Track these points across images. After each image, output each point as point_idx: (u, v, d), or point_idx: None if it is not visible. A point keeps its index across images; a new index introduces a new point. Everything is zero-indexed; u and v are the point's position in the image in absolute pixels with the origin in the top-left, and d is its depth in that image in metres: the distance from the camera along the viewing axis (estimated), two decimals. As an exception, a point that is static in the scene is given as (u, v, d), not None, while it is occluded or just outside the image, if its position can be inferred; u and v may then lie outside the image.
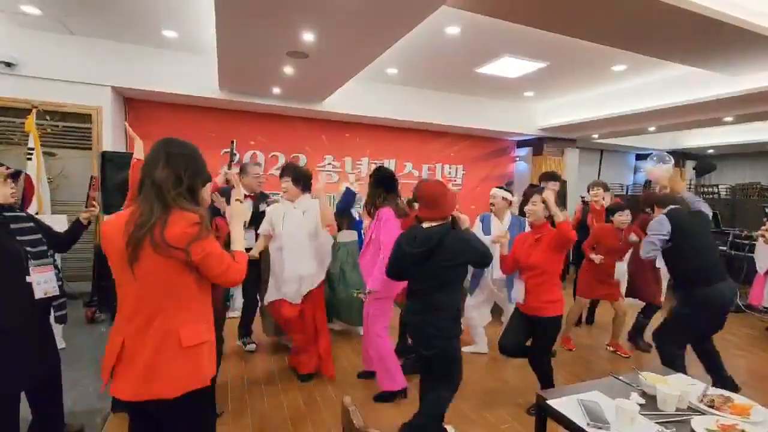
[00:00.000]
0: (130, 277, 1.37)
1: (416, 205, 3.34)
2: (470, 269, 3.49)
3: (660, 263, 3.87)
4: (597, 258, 3.81)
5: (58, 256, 2.27)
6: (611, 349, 4.13)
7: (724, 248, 6.23)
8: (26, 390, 2.10)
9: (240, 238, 1.66)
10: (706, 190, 9.02)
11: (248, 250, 2.03)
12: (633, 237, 3.83)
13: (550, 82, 5.97)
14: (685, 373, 2.25)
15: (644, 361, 3.95)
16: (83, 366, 3.28)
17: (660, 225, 2.92)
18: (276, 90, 5.42)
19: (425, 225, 2.25)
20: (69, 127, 4.99)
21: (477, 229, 3.61)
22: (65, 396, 2.41)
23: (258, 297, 3.76)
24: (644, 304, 4.17)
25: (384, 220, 2.86)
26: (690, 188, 8.94)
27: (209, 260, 1.42)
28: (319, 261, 3.09)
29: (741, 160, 10.14)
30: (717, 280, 2.81)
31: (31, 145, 4.19)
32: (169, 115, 5.87)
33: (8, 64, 4.56)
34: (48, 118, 4.83)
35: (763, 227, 2.96)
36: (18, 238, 2.04)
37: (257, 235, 3.25)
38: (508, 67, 5.31)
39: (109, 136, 5.13)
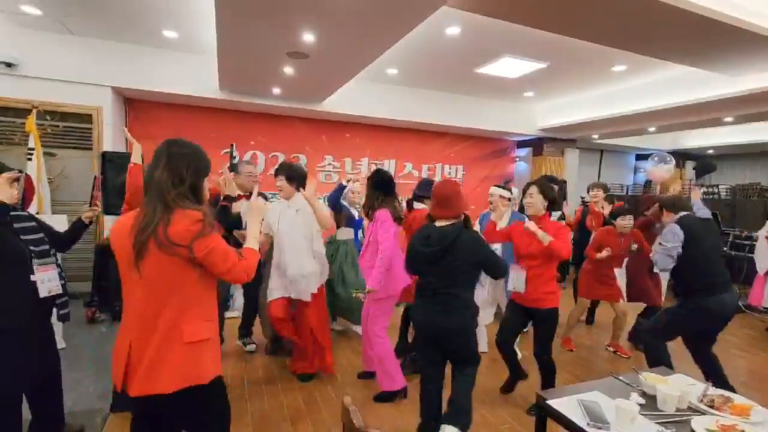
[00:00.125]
0: (137, 277, 1.40)
1: (417, 204, 3.37)
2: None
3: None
4: (604, 253, 3.76)
5: (58, 256, 2.28)
6: (611, 349, 4.13)
7: (725, 249, 6.23)
8: (27, 390, 2.10)
9: (254, 236, 1.67)
10: (706, 190, 9.01)
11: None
12: (635, 246, 3.83)
13: (550, 82, 5.97)
14: (671, 366, 2.27)
15: (644, 361, 3.94)
16: (83, 366, 3.28)
17: (674, 236, 2.83)
18: (276, 90, 5.43)
19: (438, 224, 2.29)
20: (69, 128, 4.99)
21: (476, 229, 3.61)
22: (65, 396, 2.42)
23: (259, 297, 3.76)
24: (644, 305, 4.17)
25: (381, 221, 2.87)
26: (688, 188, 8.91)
27: (212, 257, 1.43)
28: (320, 263, 3.10)
29: (741, 161, 10.15)
30: (720, 291, 2.78)
31: (31, 145, 4.19)
32: (169, 115, 5.88)
33: (8, 65, 4.56)
34: (48, 118, 4.83)
35: None
36: (21, 237, 2.06)
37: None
38: (508, 67, 5.32)
39: (110, 136, 5.13)
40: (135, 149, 2.36)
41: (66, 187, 4.99)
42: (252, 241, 1.65)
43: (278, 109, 6.21)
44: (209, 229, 1.43)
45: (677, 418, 1.61)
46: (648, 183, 9.46)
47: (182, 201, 1.43)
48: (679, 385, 1.78)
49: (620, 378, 1.97)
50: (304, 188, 3.07)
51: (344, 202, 3.94)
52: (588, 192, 4.84)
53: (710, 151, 9.83)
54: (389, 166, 7.46)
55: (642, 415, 1.58)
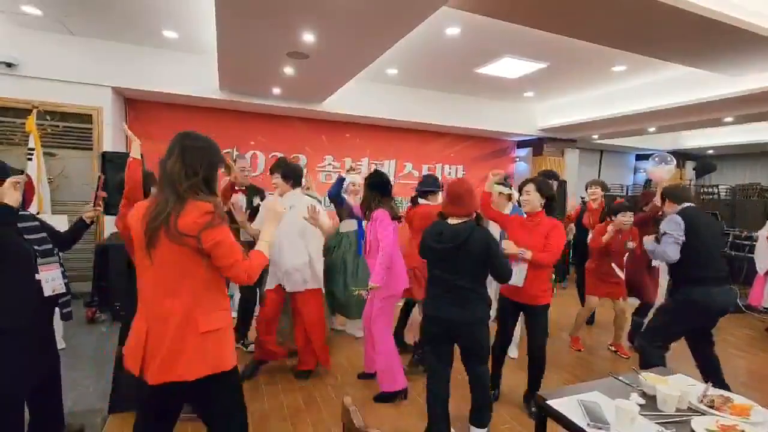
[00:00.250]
0: (149, 264, 1.45)
1: (421, 201, 3.38)
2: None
3: (656, 262, 3.88)
4: (609, 228, 3.73)
5: (60, 255, 2.30)
6: (613, 349, 4.13)
7: (725, 249, 6.23)
8: (27, 390, 2.10)
9: (266, 239, 1.69)
10: (706, 190, 9.02)
11: (250, 244, 2.04)
12: (630, 244, 3.84)
13: (550, 82, 5.97)
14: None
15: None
16: (83, 366, 3.28)
17: (677, 225, 2.78)
18: (276, 90, 5.43)
19: (451, 221, 2.37)
20: (69, 128, 4.99)
21: None
22: (65, 396, 2.42)
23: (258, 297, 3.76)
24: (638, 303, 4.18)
25: (378, 220, 2.89)
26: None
27: (219, 249, 1.46)
28: (316, 264, 3.11)
29: (741, 161, 10.15)
30: (710, 284, 2.73)
31: (31, 145, 4.19)
32: (169, 115, 5.88)
33: (9, 65, 4.57)
34: (48, 118, 4.83)
35: None
36: (25, 236, 2.07)
37: None
38: (508, 67, 5.32)
39: (110, 137, 5.13)
40: (135, 145, 2.37)
41: (66, 187, 4.99)
42: (263, 244, 1.67)
43: (278, 109, 6.21)
44: (219, 221, 1.46)
45: (677, 419, 1.61)
46: (648, 183, 9.46)
47: (195, 192, 1.46)
48: (679, 386, 1.78)
49: (620, 378, 1.97)
50: (298, 186, 3.10)
51: (345, 195, 3.94)
52: (586, 189, 4.85)
53: (710, 151, 9.83)
54: (389, 166, 7.47)
55: (642, 415, 1.58)
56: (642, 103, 5.76)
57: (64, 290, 2.18)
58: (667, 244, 2.80)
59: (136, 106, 5.71)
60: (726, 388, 2.84)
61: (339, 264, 3.91)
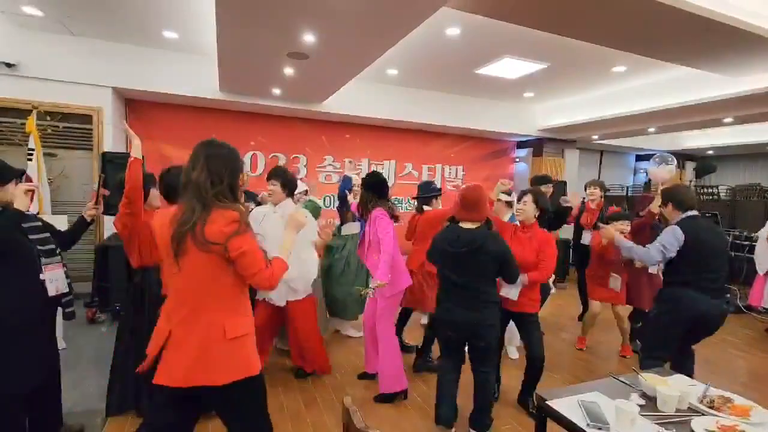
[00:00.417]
0: (176, 270, 1.48)
1: (427, 208, 3.38)
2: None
3: (653, 268, 3.87)
4: (610, 228, 3.69)
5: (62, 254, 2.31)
6: (622, 354, 4.09)
7: (726, 262, 6.21)
8: (27, 389, 2.11)
9: (286, 247, 1.71)
10: (706, 191, 9.02)
11: None
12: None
13: (550, 83, 5.98)
14: None
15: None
16: (83, 366, 3.28)
17: (674, 238, 2.66)
18: (276, 91, 5.43)
19: (464, 225, 2.45)
20: (70, 128, 5.00)
21: None
22: (65, 396, 2.43)
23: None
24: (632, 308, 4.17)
25: (378, 219, 2.89)
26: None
27: (244, 258, 1.48)
28: (302, 274, 3.01)
29: (741, 161, 10.15)
30: (697, 290, 2.61)
31: (31, 145, 4.19)
32: (169, 115, 5.88)
33: (9, 65, 4.57)
34: (49, 118, 4.83)
35: None
36: (29, 236, 2.09)
37: None
38: (508, 68, 5.32)
39: (110, 137, 5.14)
40: (135, 144, 2.36)
41: (66, 187, 4.99)
42: (284, 252, 1.69)
43: (278, 110, 6.22)
44: (245, 229, 1.49)
45: (677, 419, 1.61)
46: (648, 183, 9.47)
47: (221, 200, 1.49)
48: (679, 386, 1.78)
49: (620, 379, 1.97)
50: (292, 196, 3.08)
51: (348, 194, 3.95)
52: (585, 190, 4.86)
53: (710, 152, 9.84)
54: (389, 166, 7.47)
55: (642, 415, 1.58)
56: (642, 103, 5.77)
57: (67, 290, 2.20)
58: (655, 249, 2.71)
59: (136, 107, 5.72)
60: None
61: (342, 266, 3.92)
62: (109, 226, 5.05)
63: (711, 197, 8.62)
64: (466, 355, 2.63)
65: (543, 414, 1.76)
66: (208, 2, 3.47)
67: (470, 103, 7.02)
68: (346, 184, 3.83)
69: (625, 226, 3.81)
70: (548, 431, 1.76)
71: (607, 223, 3.94)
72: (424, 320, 4.63)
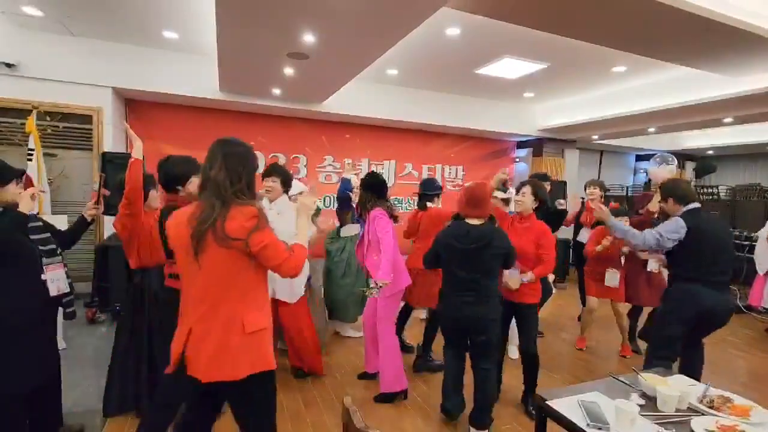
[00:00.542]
0: (196, 268, 1.50)
1: (430, 205, 3.40)
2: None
3: (652, 266, 3.87)
4: (604, 241, 3.75)
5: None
6: (622, 354, 4.11)
7: (733, 254, 6.21)
8: (28, 389, 2.11)
9: (303, 232, 1.74)
10: (706, 191, 9.02)
11: None
12: (625, 248, 3.85)
13: (550, 83, 5.98)
14: None
15: (642, 362, 3.94)
16: (83, 366, 3.28)
17: (675, 227, 2.63)
18: (276, 91, 5.43)
19: (471, 222, 2.53)
20: (69, 128, 4.99)
21: None
22: (65, 396, 2.43)
23: None
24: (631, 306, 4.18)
25: (377, 219, 2.90)
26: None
27: (267, 251, 1.51)
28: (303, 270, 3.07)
29: (741, 161, 10.15)
30: (703, 284, 2.59)
31: (31, 145, 4.19)
32: (169, 116, 5.88)
33: (9, 65, 4.57)
34: (48, 118, 4.83)
35: None
36: (31, 237, 2.10)
37: None
38: (509, 68, 5.32)
39: (110, 137, 5.13)
40: (137, 145, 2.36)
41: (66, 187, 4.99)
42: (302, 237, 1.72)
43: (278, 110, 6.21)
44: (264, 224, 1.51)
45: (677, 419, 1.61)
46: (648, 183, 9.46)
47: (239, 197, 1.52)
48: (679, 386, 1.78)
49: (620, 379, 1.97)
50: (287, 192, 3.08)
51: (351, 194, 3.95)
52: (585, 189, 4.87)
53: (710, 152, 9.83)
54: (389, 166, 7.47)
55: (642, 415, 1.59)
56: (642, 103, 5.77)
57: (68, 290, 2.21)
58: (650, 234, 2.67)
59: (136, 107, 5.71)
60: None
61: (343, 268, 3.92)
62: (109, 226, 5.05)
63: (711, 197, 8.63)
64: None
65: (543, 414, 1.76)
66: (208, 2, 3.47)
67: (470, 103, 7.01)
68: (346, 185, 3.83)
69: (625, 222, 3.82)
70: (548, 431, 1.76)
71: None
72: (423, 315, 4.64)
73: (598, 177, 9.46)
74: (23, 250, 2.02)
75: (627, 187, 9.99)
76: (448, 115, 6.91)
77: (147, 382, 2.53)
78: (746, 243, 6.18)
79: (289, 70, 4.49)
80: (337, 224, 4.26)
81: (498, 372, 3.07)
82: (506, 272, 2.80)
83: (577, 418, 1.58)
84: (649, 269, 3.86)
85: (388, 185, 3.15)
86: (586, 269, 4.17)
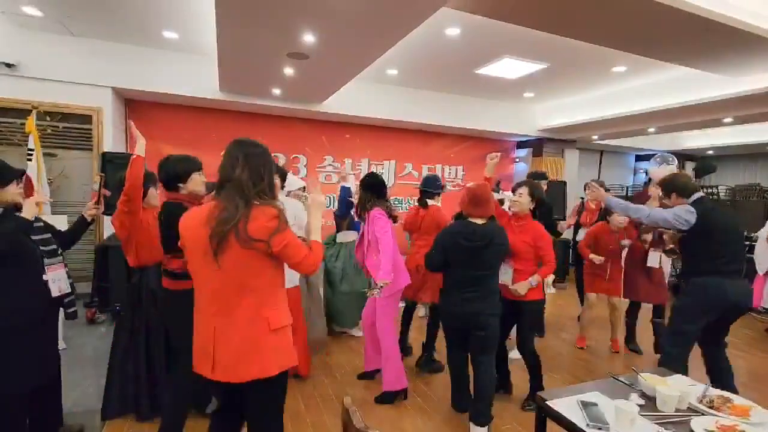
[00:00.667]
0: (214, 267, 1.49)
1: (430, 203, 3.40)
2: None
3: (652, 261, 3.87)
4: (597, 259, 3.85)
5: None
6: (610, 344, 4.21)
7: (744, 243, 6.21)
8: (28, 389, 2.11)
9: (317, 229, 1.74)
10: (705, 191, 9.02)
11: None
12: (625, 241, 3.86)
13: (550, 83, 5.98)
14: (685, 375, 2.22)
15: (642, 362, 3.95)
16: (83, 366, 3.28)
17: (686, 210, 2.62)
18: (276, 91, 5.43)
19: (475, 221, 2.60)
20: (69, 128, 4.99)
21: None
22: (65, 397, 2.43)
23: None
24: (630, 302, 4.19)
25: (376, 218, 2.90)
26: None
27: (288, 250, 1.53)
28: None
29: (741, 161, 10.15)
30: (722, 275, 2.59)
31: (31, 146, 4.19)
32: (169, 116, 5.88)
33: (9, 65, 4.57)
34: (48, 118, 4.83)
35: None
36: (32, 237, 2.09)
37: None
38: (508, 68, 5.32)
39: (110, 137, 5.14)
40: (140, 143, 2.36)
41: (66, 187, 4.99)
42: (316, 233, 1.73)
43: (278, 110, 6.21)
44: (285, 225, 1.52)
45: (677, 419, 1.61)
46: (648, 183, 9.46)
47: (261, 197, 1.53)
48: (679, 386, 1.78)
49: (620, 379, 1.97)
50: (281, 189, 3.09)
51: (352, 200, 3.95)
52: (585, 190, 4.88)
53: (710, 152, 9.84)
54: (389, 166, 7.47)
55: (641, 415, 1.58)
56: (642, 103, 5.77)
57: (69, 290, 2.21)
58: (660, 212, 2.68)
59: (136, 107, 5.71)
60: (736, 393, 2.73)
61: (340, 274, 3.92)
62: (109, 226, 5.03)
63: (711, 197, 8.63)
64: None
65: (543, 414, 1.76)
66: (208, 2, 3.47)
67: (470, 103, 7.01)
68: (346, 192, 3.84)
69: (622, 218, 3.84)
70: (548, 431, 1.76)
71: (606, 218, 3.98)
72: (421, 312, 4.64)
73: (598, 177, 9.47)
74: (25, 251, 2.03)
75: (627, 187, 9.99)
76: (448, 115, 6.91)
77: (147, 383, 2.53)
78: (746, 243, 6.18)
79: (289, 70, 4.49)
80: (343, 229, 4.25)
81: (505, 367, 3.12)
82: (502, 275, 2.84)
83: (577, 418, 1.58)
84: (649, 264, 3.86)
85: (387, 185, 3.16)
86: (585, 268, 4.17)
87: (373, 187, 3.02)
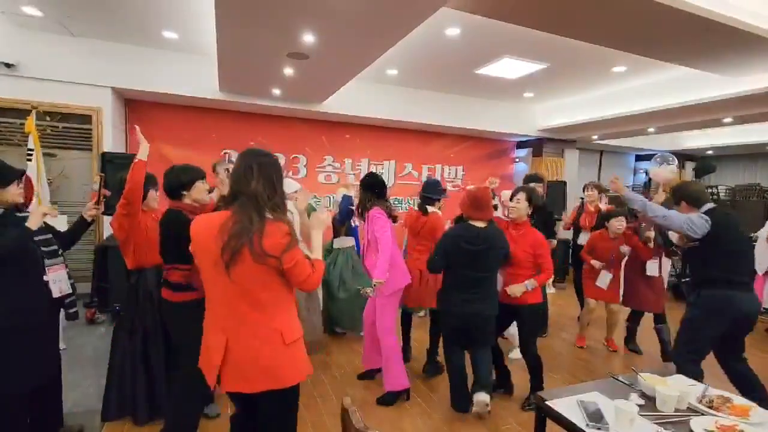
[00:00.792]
0: (226, 279, 1.47)
1: (431, 210, 3.39)
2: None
3: (652, 271, 3.86)
4: (597, 264, 3.88)
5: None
6: (605, 344, 4.26)
7: (750, 251, 6.19)
8: (28, 389, 2.11)
9: (319, 246, 1.75)
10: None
11: None
12: (624, 248, 3.87)
13: (550, 83, 5.98)
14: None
15: (642, 362, 3.95)
16: (83, 367, 3.28)
17: (702, 222, 2.56)
18: (276, 91, 5.43)
19: (477, 224, 2.67)
20: (69, 128, 4.99)
21: None
22: (65, 397, 2.43)
23: None
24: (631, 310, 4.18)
25: (375, 218, 2.90)
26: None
27: (297, 268, 1.52)
28: None
29: (740, 161, 10.15)
30: (732, 287, 2.54)
31: (30, 146, 4.19)
32: (169, 116, 5.88)
33: (9, 65, 4.57)
34: (48, 119, 4.83)
35: None
36: (33, 238, 2.08)
37: None
38: (508, 68, 5.32)
39: (110, 137, 5.13)
40: (143, 147, 2.36)
41: (66, 187, 4.99)
42: (317, 251, 1.74)
43: (278, 110, 6.21)
44: (295, 242, 1.51)
45: (676, 419, 1.61)
46: (648, 183, 9.46)
47: (275, 211, 1.51)
48: (678, 386, 1.78)
49: (619, 379, 1.97)
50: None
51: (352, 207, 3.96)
52: (583, 191, 4.88)
53: (710, 152, 9.84)
54: (389, 167, 7.47)
55: (641, 415, 1.59)
56: (642, 103, 5.77)
57: (70, 291, 2.21)
58: (678, 216, 2.62)
59: (136, 107, 5.71)
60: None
61: (337, 281, 3.93)
62: (108, 226, 5.04)
63: (711, 197, 8.62)
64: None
65: (543, 414, 1.76)
66: (208, 2, 3.46)
67: (470, 103, 7.01)
68: (348, 201, 3.85)
69: (620, 223, 3.85)
70: (548, 431, 1.76)
71: (604, 222, 3.99)
72: (420, 313, 4.63)
73: (598, 177, 9.47)
74: (27, 252, 2.02)
75: (627, 187, 9.98)
76: (448, 115, 6.91)
77: (145, 384, 2.53)
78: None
79: (289, 70, 4.49)
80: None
81: (504, 367, 3.14)
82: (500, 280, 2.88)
83: (577, 418, 1.58)
84: (648, 273, 3.85)
85: (387, 185, 3.15)
86: (584, 269, 4.18)
87: (373, 187, 3.02)
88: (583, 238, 4.56)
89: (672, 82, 5.40)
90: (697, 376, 2.53)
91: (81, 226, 2.42)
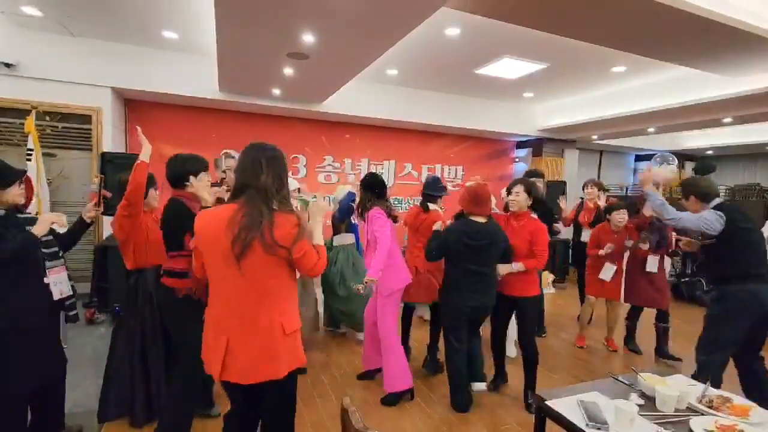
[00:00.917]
0: (235, 272, 1.49)
1: (432, 207, 3.38)
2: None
3: (651, 266, 3.86)
4: (608, 247, 3.83)
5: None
6: (605, 343, 4.27)
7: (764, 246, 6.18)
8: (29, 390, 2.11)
9: (320, 234, 1.77)
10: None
11: None
12: (628, 242, 3.86)
13: (549, 83, 5.98)
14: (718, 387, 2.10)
15: (642, 362, 3.95)
16: (83, 367, 3.27)
17: (717, 218, 2.53)
18: (276, 91, 5.43)
19: (477, 219, 2.75)
20: (69, 128, 4.99)
21: None
22: (65, 397, 2.42)
23: None
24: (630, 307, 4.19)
25: (375, 218, 2.91)
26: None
27: (306, 257, 1.56)
28: None
29: (740, 161, 10.15)
30: (751, 280, 2.51)
31: (30, 146, 4.19)
32: (169, 116, 5.88)
33: (8, 65, 4.56)
34: (48, 119, 4.83)
35: None
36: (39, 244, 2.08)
37: None
38: (508, 68, 5.32)
39: (109, 137, 5.13)
40: (146, 149, 2.36)
41: (65, 187, 4.99)
42: (319, 238, 1.75)
43: (278, 110, 6.21)
44: (304, 232, 1.55)
45: (676, 419, 1.61)
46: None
47: (283, 204, 1.55)
48: (678, 386, 1.78)
49: (619, 379, 1.97)
50: None
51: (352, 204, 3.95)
52: (583, 189, 4.88)
53: (709, 152, 9.84)
54: (389, 166, 7.47)
55: (641, 415, 1.59)
56: (642, 103, 5.77)
57: (71, 293, 2.21)
58: (689, 216, 2.60)
59: (136, 107, 5.71)
60: None
61: (337, 278, 3.92)
62: (108, 226, 5.04)
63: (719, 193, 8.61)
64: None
65: (542, 414, 1.76)
66: (208, 2, 3.46)
67: (470, 103, 7.01)
68: (351, 197, 3.85)
69: (622, 215, 3.85)
70: (548, 431, 1.76)
71: (606, 215, 3.99)
72: (418, 313, 4.63)
73: (598, 177, 9.46)
74: (29, 254, 2.02)
75: (626, 187, 9.99)
76: (447, 115, 6.91)
77: (143, 385, 2.52)
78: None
79: (288, 70, 4.49)
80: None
81: (501, 358, 3.24)
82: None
83: (577, 418, 1.58)
84: (648, 270, 3.86)
85: (387, 185, 3.16)
86: (587, 265, 4.19)
87: (373, 187, 3.03)
88: (586, 236, 4.56)
89: (672, 82, 5.40)
90: (716, 377, 2.48)
91: (80, 227, 2.41)
